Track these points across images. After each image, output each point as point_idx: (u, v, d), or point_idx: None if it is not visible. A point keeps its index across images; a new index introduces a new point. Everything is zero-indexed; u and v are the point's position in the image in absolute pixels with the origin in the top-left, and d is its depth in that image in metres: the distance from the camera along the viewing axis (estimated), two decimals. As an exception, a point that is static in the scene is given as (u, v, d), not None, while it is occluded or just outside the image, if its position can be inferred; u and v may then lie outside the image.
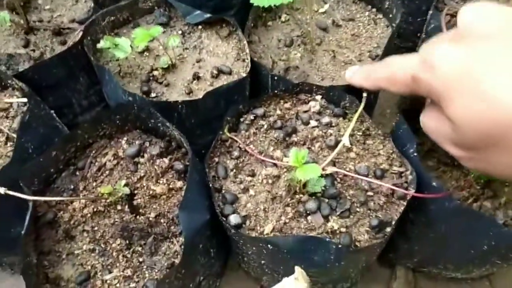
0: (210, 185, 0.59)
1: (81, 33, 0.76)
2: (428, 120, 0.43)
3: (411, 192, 0.54)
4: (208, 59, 0.77)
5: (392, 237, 0.68)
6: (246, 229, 0.57)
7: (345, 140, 0.56)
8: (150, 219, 0.63)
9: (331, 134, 0.63)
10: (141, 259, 0.61)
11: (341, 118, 0.65)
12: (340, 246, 0.52)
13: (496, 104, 0.33)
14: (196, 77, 0.74)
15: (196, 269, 0.64)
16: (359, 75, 0.53)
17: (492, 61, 0.35)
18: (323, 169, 0.56)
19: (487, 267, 0.62)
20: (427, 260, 0.69)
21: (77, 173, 0.66)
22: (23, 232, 0.56)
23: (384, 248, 0.71)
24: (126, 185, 0.63)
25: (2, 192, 0.56)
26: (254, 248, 0.58)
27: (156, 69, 0.75)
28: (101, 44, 0.70)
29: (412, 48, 1.01)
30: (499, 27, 0.37)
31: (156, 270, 0.60)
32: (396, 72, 0.44)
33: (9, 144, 0.67)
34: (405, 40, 1.03)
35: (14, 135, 0.66)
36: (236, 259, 0.78)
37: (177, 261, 0.59)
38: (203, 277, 0.69)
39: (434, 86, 0.38)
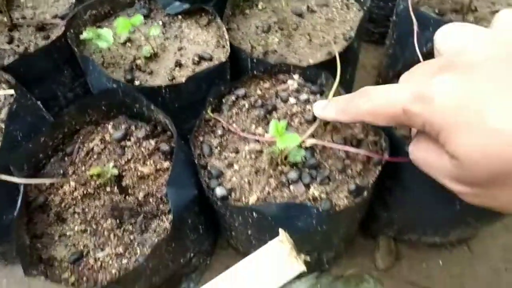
0: (196, 161, 0.62)
1: (64, 27, 0.78)
2: (421, 153, 0.41)
3: (385, 157, 0.58)
4: (189, 47, 0.80)
5: (373, 207, 0.72)
6: (232, 201, 0.59)
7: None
8: (139, 199, 0.65)
9: (309, 110, 0.66)
10: (132, 237, 0.63)
11: (318, 95, 0.69)
12: (320, 210, 0.55)
13: (502, 139, 0.32)
14: (178, 64, 0.77)
15: (186, 245, 0.67)
16: (333, 108, 0.50)
17: (493, 91, 0.33)
18: (302, 142, 0.59)
19: (462, 227, 0.66)
20: (406, 227, 0.73)
21: (66, 158, 0.68)
22: (15, 214, 0.58)
23: (366, 219, 0.75)
24: (114, 167, 0.65)
25: (-7, 177, 0.58)
26: (240, 219, 0.60)
27: (139, 58, 0.78)
28: (84, 35, 0.72)
29: (384, 32, 1.05)
30: (489, 51, 0.36)
31: (147, 247, 0.62)
32: (382, 105, 0.41)
33: (-3, 134, 0.68)
34: (377, 26, 1.08)
35: (2, 125, 0.68)
36: (225, 237, 0.80)
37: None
38: (194, 254, 0.72)
39: (432, 120, 0.35)
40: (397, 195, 0.66)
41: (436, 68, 0.37)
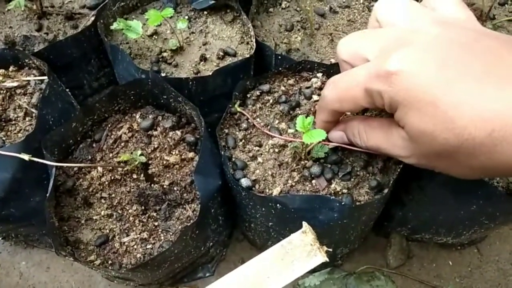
0: (222, 153, 0.64)
1: (93, 17, 0.80)
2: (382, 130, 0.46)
3: (407, 155, 0.59)
4: (213, 42, 0.82)
5: (388, 206, 0.74)
6: (256, 192, 0.61)
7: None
8: (164, 187, 0.67)
9: (332, 107, 0.68)
10: (156, 224, 0.65)
11: (340, 94, 0.70)
12: (343, 203, 0.57)
13: (449, 124, 0.35)
14: (203, 58, 0.79)
15: (207, 233, 0.69)
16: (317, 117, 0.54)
17: (449, 76, 0.35)
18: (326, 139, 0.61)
19: (475, 228, 0.67)
20: (420, 226, 0.75)
21: (94, 145, 0.70)
22: (47, 195, 0.60)
23: (380, 217, 0.77)
24: (141, 155, 0.67)
25: (27, 159, 0.60)
26: (263, 210, 0.62)
27: (165, 51, 0.79)
28: (115, 26, 0.74)
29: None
30: (443, 33, 0.38)
31: (171, 233, 0.64)
32: (345, 89, 0.43)
33: (27, 119, 0.70)
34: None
35: (33, 110, 0.70)
36: (240, 230, 0.82)
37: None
38: (212, 244, 0.74)
39: (393, 96, 0.38)
40: (414, 194, 0.68)
41: (392, 42, 0.39)
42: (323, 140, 0.61)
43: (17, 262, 0.85)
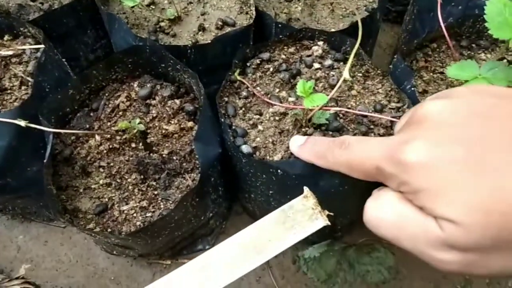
0: (222, 120, 0.63)
1: (89, -14, 0.78)
2: (389, 215, 0.38)
3: (409, 121, 0.59)
4: (212, 12, 0.80)
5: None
6: (257, 159, 0.61)
7: (346, 74, 0.58)
8: (164, 156, 0.66)
9: (333, 75, 0.67)
10: (155, 192, 0.64)
11: (341, 63, 0.69)
12: (345, 168, 0.56)
13: (506, 197, 0.30)
14: (202, 28, 0.77)
15: (207, 203, 0.68)
16: (310, 150, 0.50)
17: (484, 149, 0.32)
18: (328, 103, 0.60)
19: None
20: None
21: (91, 114, 0.69)
22: (45, 161, 0.59)
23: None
24: (140, 123, 0.66)
25: (23, 125, 0.58)
26: (264, 176, 0.62)
27: (163, 21, 0.78)
28: (111, -7, 0.73)
29: (401, 11, 1.05)
30: (458, 114, 0.35)
31: (171, 202, 0.64)
32: (359, 160, 0.41)
33: (23, 88, 0.69)
34: (396, 4, 1.08)
35: (29, 79, 0.68)
36: (240, 203, 0.82)
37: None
38: (212, 215, 0.73)
39: (409, 179, 0.34)
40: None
41: (408, 126, 0.37)
42: (324, 106, 0.61)
43: (14, 236, 0.84)
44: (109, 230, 0.61)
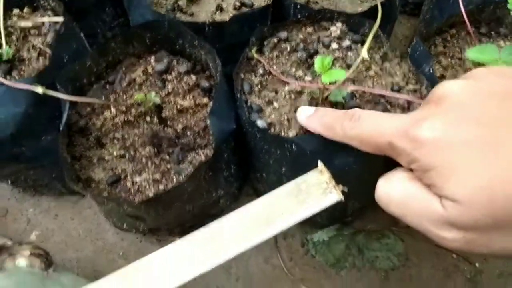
0: (237, 96, 0.63)
1: (108, -38, 0.79)
2: (398, 192, 0.39)
3: (427, 101, 0.58)
4: (230, -7, 0.81)
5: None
6: (271, 134, 0.60)
7: (364, 53, 0.59)
8: (178, 131, 0.66)
9: (351, 56, 0.67)
10: (168, 166, 0.64)
11: (359, 45, 0.69)
12: (360, 146, 0.56)
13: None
14: (220, 8, 0.77)
15: (219, 179, 0.68)
16: (319, 121, 0.50)
17: (496, 128, 0.32)
18: (345, 80, 0.60)
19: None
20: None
21: (107, 87, 0.69)
22: (60, 129, 0.59)
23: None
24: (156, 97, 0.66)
25: (40, 92, 0.59)
26: (278, 152, 0.62)
27: (181, 0, 0.78)
28: (131, -31, 0.73)
29: (419, 3, 1.05)
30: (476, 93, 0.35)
31: (183, 176, 0.64)
32: (370, 134, 0.41)
33: (41, 59, 0.69)
34: (414, -5, 1.08)
35: (47, 50, 0.69)
36: (252, 183, 0.82)
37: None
38: (223, 193, 0.73)
39: (420, 157, 0.35)
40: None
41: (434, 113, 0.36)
42: (341, 85, 0.60)
43: (25, 208, 0.85)
44: (121, 200, 0.62)
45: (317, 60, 0.57)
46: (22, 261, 0.58)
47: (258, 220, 0.52)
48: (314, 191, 0.54)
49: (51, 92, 0.59)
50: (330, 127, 0.48)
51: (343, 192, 0.54)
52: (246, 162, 0.75)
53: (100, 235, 0.82)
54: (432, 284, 0.77)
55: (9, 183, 0.80)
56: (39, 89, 0.59)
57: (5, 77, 0.65)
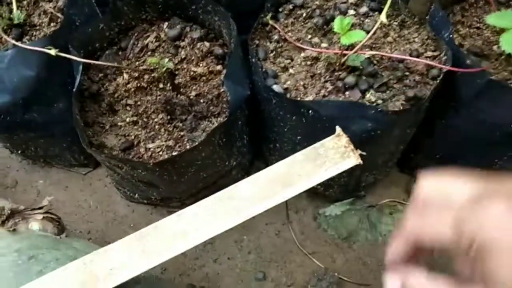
0: (253, 61, 0.62)
1: None
2: None
3: (447, 66, 0.57)
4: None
5: (417, 134, 0.72)
6: (288, 98, 0.59)
7: (383, 17, 0.57)
8: (191, 98, 0.65)
9: (368, 22, 0.65)
10: (182, 133, 0.64)
11: (376, 12, 0.68)
12: (378, 110, 0.55)
13: None
14: (233, -24, 0.76)
15: (232, 148, 0.67)
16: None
17: None
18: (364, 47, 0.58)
19: (510, 154, 0.65)
20: (449, 155, 0.73)
21: (120, 53, 0.68)
22: (73, 91, 0.58)
23: (407, 149, 0.75)
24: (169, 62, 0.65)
25: (53, 54, 0.58)
26: (293, 118, 0.60)
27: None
28: None
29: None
30: None
31: (197, 143, 0.63)
32: (432, 218, 0.33)
33: (52, 24, 0.68)
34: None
35: (59, 15, 0.68)
36: (264, 155, 0.81)
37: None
38: (235, 164, 0.72)
39: (483, 239, 0.29)
40: (448, 118, 0.66)
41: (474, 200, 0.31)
42: (359, 51, 0.59)
43: (34, 180, 0.85)
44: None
45: (336, 20, 0.56)
46: (35, 225, 0.57)
47: (277, 181, 0.51)
48: (332, 155, 0.53)
49: (64, 55, 0.58)
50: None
51: (361, 157, 0.53)
52: (259, 135, 0.74)
53: (110, 207, 0.81)
54: (443, 257, 0.76)
55: (19, 153, 0.79)
56: (52, 51, 0.58)
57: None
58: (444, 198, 0.35)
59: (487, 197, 0.32)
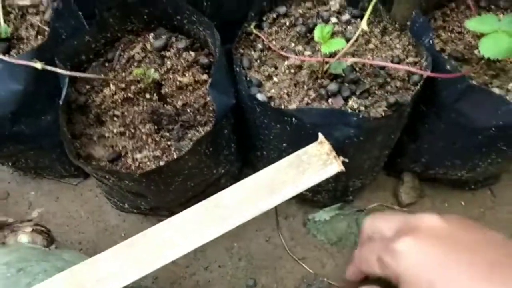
0: (237, 70, 0.63)
1: None
2: None
3: (427, 72, 0.58)
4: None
5: (401, 140, 0.73)
6: (271, 107, 0.60)
7: (363, 25, 0.57)
8: (177, 107, 0.66)
9: (350, 30, 0.66)
10: (169, 143, 0.64)
11: (359, 19, 0.69)
12: (360, 116, 0.56)
13: None
14: (218, -14, 0.77)
15: (219, 157, 0.68)
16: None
17: (443, 264, 0.37)
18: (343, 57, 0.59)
19: (492, 157, 0.66)
20: (434, 159, 0.74)
21: (106, 64, 0.69)
22: (60, 103, 0.59)
23: (393, 154, 0.76)
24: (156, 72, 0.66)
25: (39, 67, 0.59)
26: (278, 126, 0.61)
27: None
28: None
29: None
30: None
31: (182, 153, 0.64)
32: (366, 254, 0.46)
33: (39, 37, 0.69)
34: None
35: (46, 28, 0.68)
36: (252, 163, 0.82)
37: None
38: (223, 172, 0.73)
39: (397, 271, 0.40)
40: (430, 122, 0.67)
41: (407, 227, 0.42)
42: (341, 58, 0.60)
43: (26, 191, 0.85)
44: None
45: (317, 29, 0.57)
46: (24, 237, 0.58)
47: (262, 189, 0.52)
48: (315, 162, 0.54)
49: (50, 68, 0.58)
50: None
51: (343, 163, 0.54)
52: (246, 143, 0.75)
53: (101, 217, 0.82)
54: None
55: (10, 165, 0.80)
56: (38, 65, 0.58)
57: (3, 56, 0.65)
58: (377, 233, 0.47)
59: (401, 231, 0.42)
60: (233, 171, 0.79)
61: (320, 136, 0.55)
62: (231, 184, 0.81)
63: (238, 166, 0.81)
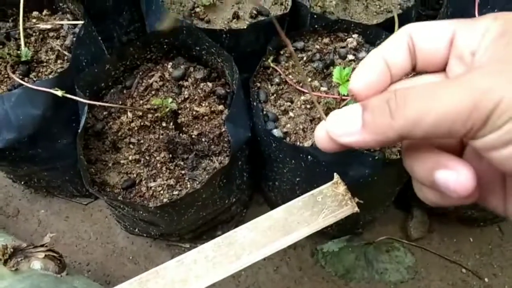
0: (254, 104, 0.63)
1: (128, -32, 0.80)
2: None
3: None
4: (246, 1, 0.81)
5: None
6: (287, 143, 0.61)
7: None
8: (193, 137, 0.66)
9: (366, 68, 0.67)
10: (183, 172, 0.65)
11: (375, 56, 0.69)
12: (376, 157, 0.56)
13: None
14: (236, 16, 0.78)
15: (232, 187, 0.68)
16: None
17: None
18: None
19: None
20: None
21: (125, 91, 0.70)
22: (78, 131, 0.60)
23: (403, 188, 0.76)
24: (172, 102, 0.67)
25: (60, 94, 0.60)
26: (293, 162, 0.62)
27: (198, 7, 0.79)
28: (151, -24, 0.74)
29: (432, 15, 1.05)
30: None
31: (197, 182, 0.64)
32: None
33: (59, 61, 0.70)
34: (426, 8, 1.08)
35: (66, 53, 0.69)
36: (263, 191, 0.82)
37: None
38: (235, 200, 0.73)
39: None
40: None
41: None
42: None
43: (36, 210, 0.85)
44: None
45: (336, 70, 0.57)
46: (36, 264, 0.58)
47: (276, 230, 0.53)
48: (330, 203, 0.54)
49: (70, 96, 0.59)
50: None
51: (358, 204, 0.54)
52: (258, 171, 0.76)
53: (110, 238, 0.82)
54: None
55: (22, 183, 0.80)
56: (59, 92, 0.60)
57: (23, 79, 0.66)
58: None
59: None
60: (244, 199, 0.79)
61: (336, 176, 0.55)
62: (241, 210, 0.82)
63: (249, 193, 0.82)
